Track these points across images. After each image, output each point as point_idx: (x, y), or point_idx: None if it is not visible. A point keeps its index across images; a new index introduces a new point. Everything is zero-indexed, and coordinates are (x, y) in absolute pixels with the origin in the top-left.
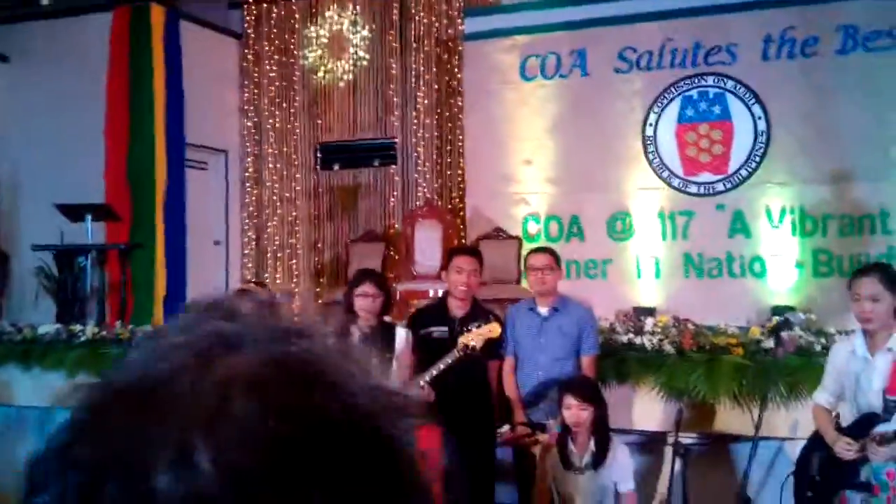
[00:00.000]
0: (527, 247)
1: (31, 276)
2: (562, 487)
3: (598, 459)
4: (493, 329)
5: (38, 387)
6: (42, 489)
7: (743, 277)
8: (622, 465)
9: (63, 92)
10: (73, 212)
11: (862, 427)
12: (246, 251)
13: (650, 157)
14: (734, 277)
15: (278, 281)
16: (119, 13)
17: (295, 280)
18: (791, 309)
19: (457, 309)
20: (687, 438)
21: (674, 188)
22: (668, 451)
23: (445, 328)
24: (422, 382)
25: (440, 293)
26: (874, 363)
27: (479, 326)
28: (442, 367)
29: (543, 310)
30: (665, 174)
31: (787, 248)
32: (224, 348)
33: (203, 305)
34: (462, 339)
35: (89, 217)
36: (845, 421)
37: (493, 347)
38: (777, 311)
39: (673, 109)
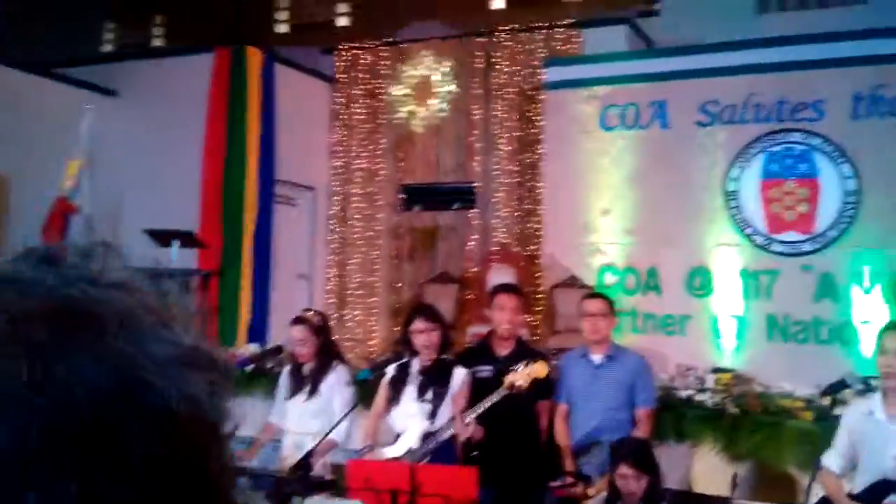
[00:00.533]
0: None
1: None
2: None
3: None
4: (541, 369)
5: None
6: None
7: (830, 344)
8: None
9: (165, 126)
10: (162, 237)
11: (875, 494)
12: (328, 286)
13: (732, 212)
14: (821, 344)
15: (357, 317)
16: (220, 54)
17: (374, 317)
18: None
19: (501, 348)
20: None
21: (757, 246)
22: None
23: (490, 367)
24: (469, 419)
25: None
26: (891, 426)
27: (526, 365)
28: (487, 405)
29: (597, 357)
30: (748, 231)
31: (878, 314)
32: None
33: (27, 251)
34: (508, 378)
35: (176, 243)
36: (857, 487)
37: (542, 388)
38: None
39: (757, 165)
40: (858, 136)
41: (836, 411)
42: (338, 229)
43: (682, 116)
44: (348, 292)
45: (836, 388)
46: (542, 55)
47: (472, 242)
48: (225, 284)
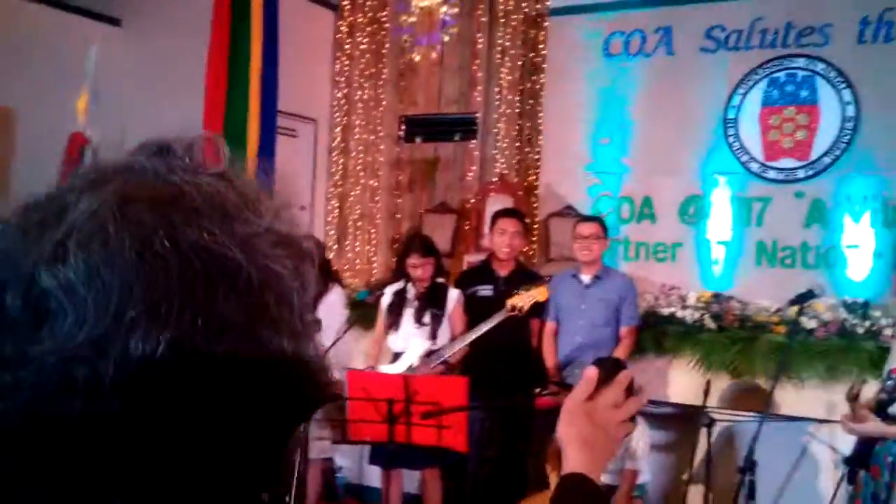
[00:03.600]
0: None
1: None
2: None
3: None
4: (542, 292)
5: None
6: None
7: (816, 268)
8: (642, 450)
9: (169, 53)
10: None
11: (881, 407)
12: (329, 218)
13: (730, 139)
14: (808, 268)
15: (357, 248)
16: None
17: (373, 247)
18: (867, 303)
19: (501, 269)
20: (719, 413)
21: (752, 173)
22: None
23: (491, 286)
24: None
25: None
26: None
27: (528, 289)
28: (489, 326)
29: (586, 277)
30: (744, 158)
31: (866, 239)
32: (118, 174)
33: (142, 144)
34: (510, 301)
35: None
36: None
37: (537, 308)
38: (847, 304)
39: (758, 91)
40: (862, 61)
41: (803, 321)
42: (339, 161)
43: (688, 43)
44: (348, 223)
45: (803, 298)
46: None
47: (471, 173)
48: None
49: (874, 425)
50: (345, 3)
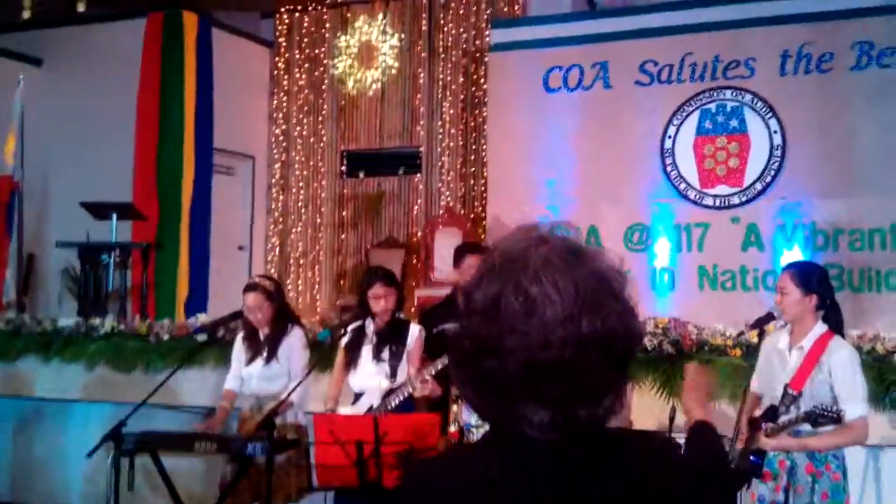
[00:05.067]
0: None
1: (56, 277)
2: None
3: None
4: None
5: (58, 379)
6: (474, 292)
7: (756, 290)
8: None
9: (95, 95)
10: (99, 210)
11: (767, 417)
12: (269, 257)
13: (668, 169)
14: (747, 290)
15: (300, 286)
16: (152, 19)
17: (316, 284)
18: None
19: None
20: (681, 437)
21: (690, 200)
22: None
23: (457, 323)
24: (426, 376)
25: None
26: (789, 359)
27: None
28: (446, 361)
29: None
30: (682, 186)
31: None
32: (542, 241)
33: (525, 228)
34: None
35: (114, 215)
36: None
37: None
38: None
39: (692, 122)
40: (785, 91)
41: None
42: (279, 198)
43: (623, 77)
44: (290, 262)
45: (762, 321)
46: (488, 16)
47: (417, 207)
48: (163, 257)
49: (787, 439)
50: (280, 39)
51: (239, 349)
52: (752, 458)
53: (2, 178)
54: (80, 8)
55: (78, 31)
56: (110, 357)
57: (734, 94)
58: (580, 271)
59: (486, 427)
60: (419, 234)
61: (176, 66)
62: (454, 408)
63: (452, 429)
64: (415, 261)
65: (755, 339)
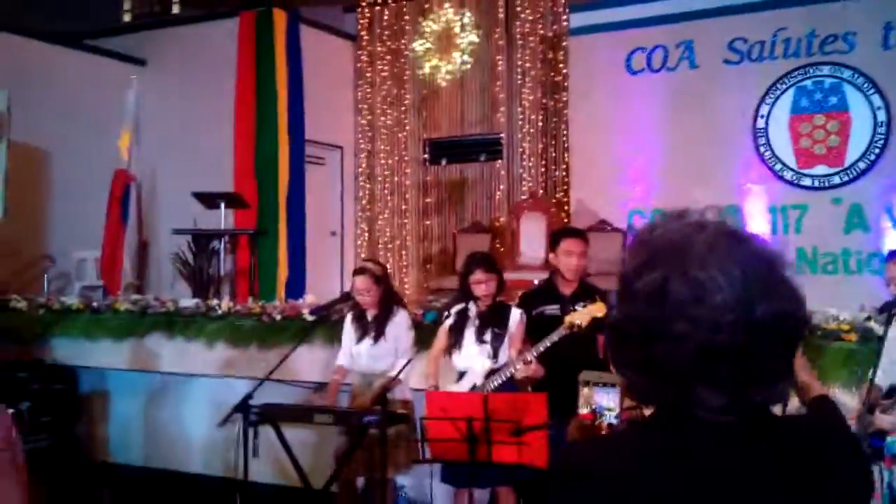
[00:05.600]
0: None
1: (167, 262)
2: None
3: None
4: (599, 308)
5: (180, 355)
6: (636, 279)
7: (860, 273)
8: None
9: (195, 91)
10: (209, 199)
11: (887, 396)
12: (359, 241)
13: (761, 149)
14: (850, 274)
15: (389, 270)
16: (245, 18)
17: (403, 268)
18: None
19: (565, 288)
20: None
21: (786, 181)
22: None
23: (557, 306)
24: (529, 357)
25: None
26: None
27: (584, 306)
28: (548, 343)
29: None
30: (777, 167)
31: None
32: (701, 226)
33: (676, 214)
34: (568, 318)
35: (223, 204)
36: None
37: (599, 324)
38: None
39: (786, 100)
40: (890, 66)
41: (875, 328)
42: (366, 186)
43: (710, 56)
44: (379, 246)
45: (890, 306)
46: (565, 1)
47: (500, 192)
48: (264, 244)
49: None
50: (363, 33)
51: (349, 328)
52: (872, 441)
53: (119, 171)
54: (175, 10)
55: (176, 32)
56: (228, 335)
57: (833, 69)
58: (746, 255)
59: (617, 410)
60: (502, 218)
61: (268, 62)
62: (585, 390)
63: (584, 411)
64: (500, 245)
65: (874, 325)
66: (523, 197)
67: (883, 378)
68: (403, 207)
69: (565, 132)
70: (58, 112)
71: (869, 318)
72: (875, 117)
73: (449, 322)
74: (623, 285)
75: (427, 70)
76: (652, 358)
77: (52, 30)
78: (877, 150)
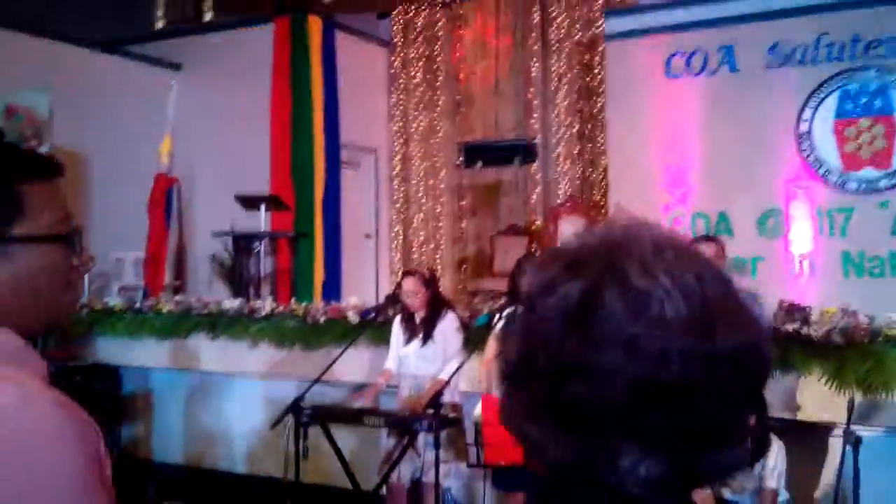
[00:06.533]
0: None
1: (204, 263)
2: None
3: None
4: None
5: (222, 355)
6: (548, 293)
7: None
8: (780, 469)
9: (230, 96)
10: (249, 202)
11: None
12: (394, 244)
13: (805, 152)
14: None
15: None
16: (280, 24)
17: (438, 270)
18: None
19: None
20: (860, 429)
21: (831, 185)
22: (835, 442)
23: None
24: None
25: None
26: None
27: None
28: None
29: None
30: (821, 170)
31: None
32: (647, 226)
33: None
34: None
35: (263, 207)
36: None
37: None
38: None
39: (830, 104)
40: None
41: None
42: (400, 189)
43: (751, 60)
44: (413, 249)
45: None
46: (599, 5)
47: (535, 196)
48: (301, 246)
49: None
50: (397, 39)
51: (397, 331)
52: None
53: (160, 175)
54: (208, 17)
55: (211, 38)
56: (272, 336)
57: (878, 73)
58: (701, 265)
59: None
60: (538, 221)
61: (303, 67)
62: None
63: None
64: (535, 248)
65: None
66: (558, 201)
67: None
68: (438, 210)
69: (601, 135)
70: (96, 116)
71: None
72: None
73: (500, 326)
74: (527, 307)
75: (461, 74)
76: (562, 402)
77: (90, 36)
78: None
